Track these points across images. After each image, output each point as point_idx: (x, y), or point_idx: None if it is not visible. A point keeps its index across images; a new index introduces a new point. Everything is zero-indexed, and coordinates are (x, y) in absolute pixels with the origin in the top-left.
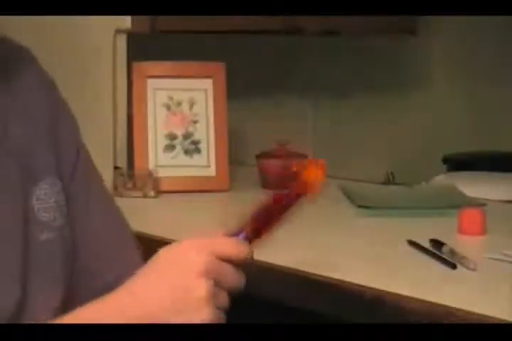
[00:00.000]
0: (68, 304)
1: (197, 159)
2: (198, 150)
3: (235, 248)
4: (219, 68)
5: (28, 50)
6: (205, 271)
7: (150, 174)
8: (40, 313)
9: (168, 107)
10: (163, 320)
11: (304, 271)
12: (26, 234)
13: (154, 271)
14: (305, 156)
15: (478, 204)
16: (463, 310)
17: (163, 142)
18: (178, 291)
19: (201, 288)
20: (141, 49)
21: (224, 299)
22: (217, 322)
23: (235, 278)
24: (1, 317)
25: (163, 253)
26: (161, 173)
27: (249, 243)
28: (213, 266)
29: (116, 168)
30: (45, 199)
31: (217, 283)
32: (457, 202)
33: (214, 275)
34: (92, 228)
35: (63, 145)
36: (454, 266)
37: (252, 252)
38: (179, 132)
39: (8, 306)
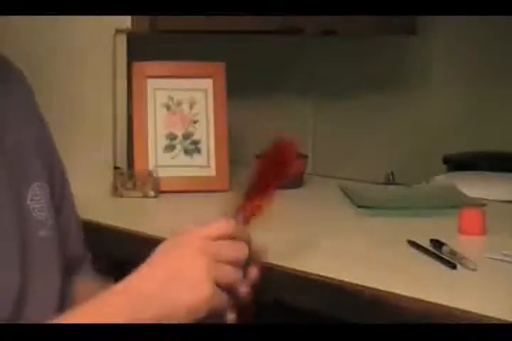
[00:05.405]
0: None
1: (197, 159)
2: (198, 150)
3: (226, 228)
4: (219, 68)
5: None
6: (199, 250)
7: (150, 174)
8: (42, 296)
9: (168, 107)
10: (162, 299)
11: (303, 271)
12: (25, 231)
13: (157, 256)
14: (305, 156)
15: (478, 204)
16: (462, 310)
17: (163, 142)
18: (174, 272)
19: (196, 266)
20: (141, 49)
21: (227, 272)
22: (216, 299)
23: (233, 250)
24: (5, 300)
25: (167, 240)
26: (161, 173)
27: (248, 222)
28: (206, 244)
29: (116, 168)
30: (38, 199)
31: (217, 258)
32: (457, 202)
33: (210, 252)
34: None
35: (52, 154)
36: (454, 266)
37: (248, 233)
38: (179, 132)
39: (10, 291)
